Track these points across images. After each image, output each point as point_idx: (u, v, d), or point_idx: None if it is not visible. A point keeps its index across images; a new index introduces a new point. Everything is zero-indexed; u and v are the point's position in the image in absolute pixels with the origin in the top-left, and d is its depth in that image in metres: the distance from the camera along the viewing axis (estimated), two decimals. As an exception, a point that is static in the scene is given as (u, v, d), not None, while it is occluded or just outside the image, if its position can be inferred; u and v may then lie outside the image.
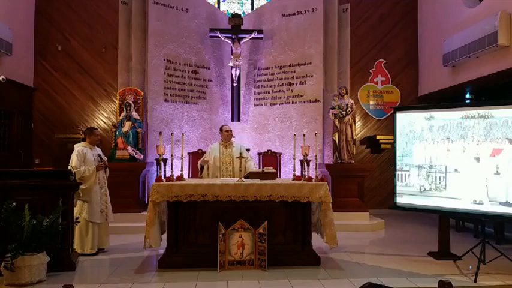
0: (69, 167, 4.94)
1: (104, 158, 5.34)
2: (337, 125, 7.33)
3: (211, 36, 8.18)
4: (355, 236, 6.33)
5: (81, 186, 4.84)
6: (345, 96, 7.39)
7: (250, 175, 4.91)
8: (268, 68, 8.41)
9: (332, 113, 7.37)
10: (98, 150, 5.34)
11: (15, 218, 3.92)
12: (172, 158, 4.75)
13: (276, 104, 8.29)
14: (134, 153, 6.96)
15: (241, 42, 8.04)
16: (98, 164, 5.13)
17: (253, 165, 5.65)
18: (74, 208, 4.88)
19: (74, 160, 4.96)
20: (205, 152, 7.75)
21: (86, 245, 4.98)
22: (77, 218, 4.70)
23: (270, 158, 7.85)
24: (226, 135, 5.67)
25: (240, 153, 5.11)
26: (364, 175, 7.39)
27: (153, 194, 4.41)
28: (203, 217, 4.53)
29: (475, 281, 4.07)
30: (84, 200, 4.99)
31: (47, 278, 4.01)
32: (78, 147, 5.10)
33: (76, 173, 4.80)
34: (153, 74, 7.81)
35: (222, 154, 5.54)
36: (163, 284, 3.96)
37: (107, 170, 5.38)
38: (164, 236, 4.71)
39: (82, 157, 5.01)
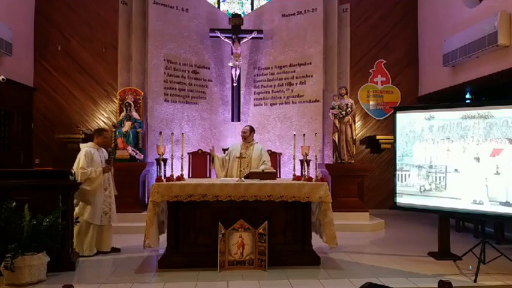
0: (74, 167, 4.85)
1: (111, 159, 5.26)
2: (337, 125, 7.33)
3: (211, 36, 8.18)
4: (355, 236, 6.32)
5: (86, 188, 4.81)
6: (345, 96, 7.39)
7: (250, 175, 4.91)
8: (268, 68, 8.41)
9: (332, 113, 7.37)
10: (104, 152, 5.25)
11: (15, 218, 3.92)
12: (172, 158, 4.75)
13: (276, 104, 8.29)
14: (134, 153, 6.96)
15: (241, 42, 8.04)
16: (105, 166, 5.05)
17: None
18: (76, 208, 4.86)
19: (81, 160, 4.85)
20: (205, 152, 7.84)
21: (83, 246, 4.92)
22: (77, 218, 4.68)
23: (270, 158, 7.82)
24: (241, 136, 5.73)
25: (240, 153, 5.11)
26: (364, 175, 7.39)
27: (153, 194, 4.40)
28: (203, 217, 4.53)
29: (475, 281, 4.07)
30: (87, 202, 4.91)
31: (47, 278, 4.01)
32: (86, 148, 5.00)
33: (82, 174, 4.76)
34: (153, 74, 7.81)
35: (242, 154, 5.54)
36: (163, 284, 3.96)
37: (112, 170, 5.31)
38: (164, 236, 4.70)
39: (90, 158, 4.92)
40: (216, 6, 9.10)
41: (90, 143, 5.15)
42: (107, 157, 5.23)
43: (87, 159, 4.90)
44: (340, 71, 8.13)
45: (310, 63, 8.05)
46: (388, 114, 8.78)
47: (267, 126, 8.29)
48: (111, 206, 5.19)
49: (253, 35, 8.08)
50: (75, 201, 4.87)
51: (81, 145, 5.11)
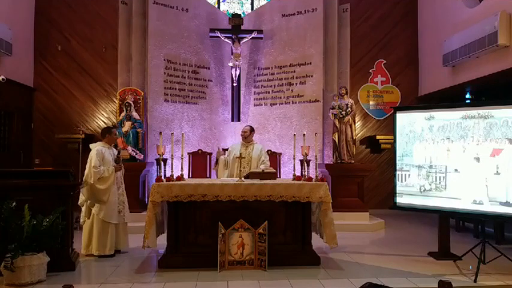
0: (87, 167, 4.87)
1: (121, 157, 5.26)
2: (337, 125, 7.33)
3: (211, 36, 8.18)
4: (355, 236, 6.32)
5: (100, 187, 4.83)
6: (345, 96, 7.39)
7: (250, 175, 4.91)
8: (268, 68, 8.41)
9: (332, 113, 7.37)
10: (115, 151, 5.26)
11: (15, 218, 3.92)
12: (172, 158, 4.75)
13: (276, 104, 8.28)
14: (134, 153, 6.95)
15: (241, 42, 8.04)
16: (116, 165, 5.05)
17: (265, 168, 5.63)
18: (92, 209, 4.90)
19: (93, 159, 4.86)
20: (205, 152, 7.85)
21: (105, 246, 4.91)
22: (78, 218, 4.67)
23: (270, 158, 7.76)
24: (241, 135, 5.74)
25: (240, 153, 5.11)
26: (364, 175, 7.39)
27: (153, 194, 4.40)
28: (203, 217, 4.53)
29: (475, 281, 4.07)
30: (101, 201, 4.90)
31: (47, 278, 4.01)
32: (97, 147, 5.01)
33: (95, 173, 4.79)
34: (153, 74, 7.81)
35: (241, 154, 5.54)
36: (163, 284, 3.96)
37: (123, 168, 5.32)
38: (163, 236, 4.70)
39: (101, 157, 4.93)
40: (216, 6, 9.10)
41: (100, 142, 5.15)
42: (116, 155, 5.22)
43: (99, 158, 4.91)
44: (340, 71, 8.12)
45: (310, 63, 8.04)
46: (388, 114, 8.78)
47: (267, 126, 8.28)
48: (125, 204, 5.20)
49: (253, 35, 8.08)
50: (89, 202, 4.91)
51: (92, 145, 5.10)
